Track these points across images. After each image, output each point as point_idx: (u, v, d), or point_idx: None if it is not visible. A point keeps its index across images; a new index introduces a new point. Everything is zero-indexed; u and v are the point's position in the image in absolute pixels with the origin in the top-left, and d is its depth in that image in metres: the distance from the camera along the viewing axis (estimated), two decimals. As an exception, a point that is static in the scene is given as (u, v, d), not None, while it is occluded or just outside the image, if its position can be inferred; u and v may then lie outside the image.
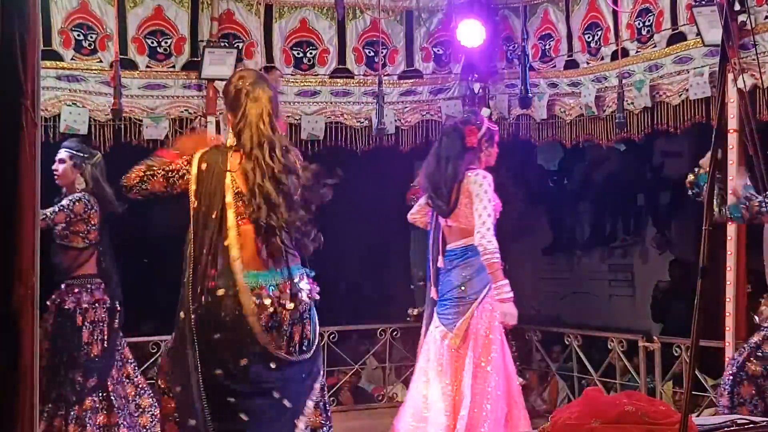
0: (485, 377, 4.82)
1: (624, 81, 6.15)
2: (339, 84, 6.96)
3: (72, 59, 6.22)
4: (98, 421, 4.99)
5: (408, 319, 7.18)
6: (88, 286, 5.11)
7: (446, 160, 4.96)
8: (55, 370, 4.95)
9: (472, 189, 4.87)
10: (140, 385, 5.32)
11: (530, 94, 6.54)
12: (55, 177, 5.20)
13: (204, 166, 3.73)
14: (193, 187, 3.72)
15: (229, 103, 3.85)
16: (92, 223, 5.14)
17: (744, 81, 4.98)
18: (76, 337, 5.00)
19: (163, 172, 3.75)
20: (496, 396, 4.80)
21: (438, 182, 4.98)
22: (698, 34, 5.57)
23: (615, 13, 6.26)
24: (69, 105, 6.18)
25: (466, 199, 4.90)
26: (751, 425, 3.34)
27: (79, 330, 5.01)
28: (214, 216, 3.66)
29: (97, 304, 5.08)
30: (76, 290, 5.07)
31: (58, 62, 6.16)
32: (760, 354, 4.38)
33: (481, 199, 4.83)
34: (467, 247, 4.92)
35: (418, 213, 5.32)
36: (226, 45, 6.50)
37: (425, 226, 5.25)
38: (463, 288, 4.93)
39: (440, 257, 5.04)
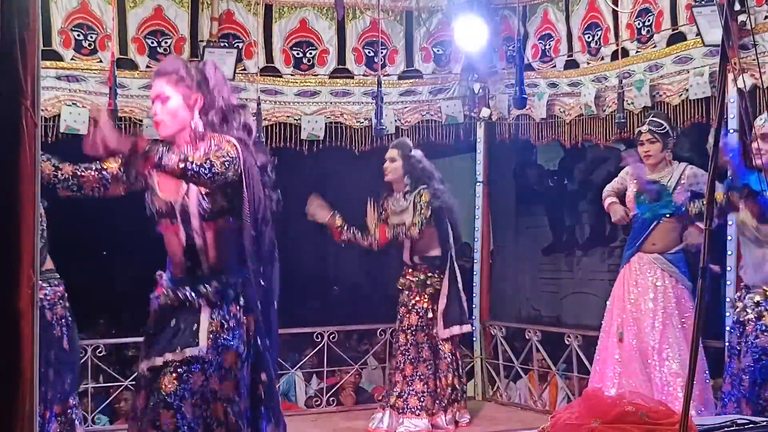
0: None
1: (624, 81, 6.15)
2: (339, 84, 6.96)
3: (72, 59, 6.23)
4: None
5: None
6: (51, 281, 5.09)
7: None
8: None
9: None
10: None
11: (525, 95, 6.54)
12: None
13: None
14: None
15: None
16: (45, 219, 5.09)
17: (744, 81, 4.98)
18: (50, 333, 4.97)
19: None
20: None
21: None
22: (698, 34, 5.57)
23: (615, 13, 6.27)
24: (69, 105, 6.18)
25: None
26: (751, 425, 3.34)
27: (50, 326, 4.98)
28: None
29: (61, 300, 5.06)
30: (43, 286, 5.03)
31: (58, 62, 6.16)
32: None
33: None
34: None
35: None
36: (226, 45, 6.50)
37: None
38: None
39: None
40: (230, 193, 3.49)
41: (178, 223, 3.58)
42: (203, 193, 3.51)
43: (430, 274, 6.23)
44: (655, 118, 5.59)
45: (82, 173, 3.66)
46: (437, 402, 6.18)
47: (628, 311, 5.58)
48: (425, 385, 6.17)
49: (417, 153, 6.28)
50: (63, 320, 4.93)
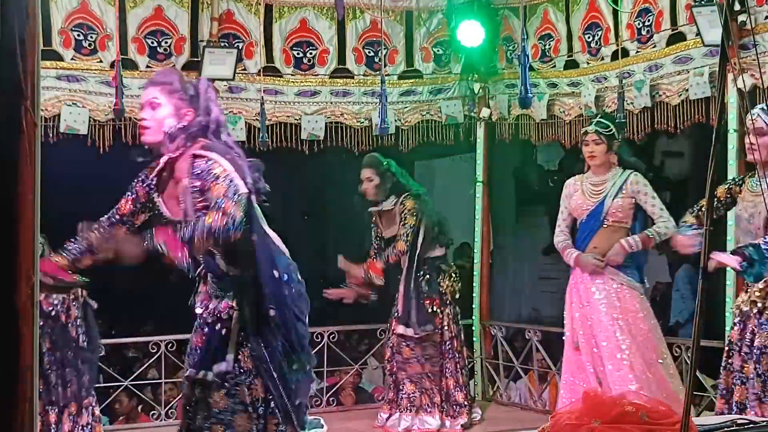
0: None
1: (624, 81, 6.15)
2: (339, 84, 6.96)
3: (72, 59, 6.23)
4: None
5: None
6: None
7: None
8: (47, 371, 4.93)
9: None
10: None
11: (530, 94, 6.54)
12: None
13: None
14: None
15: None
16: None
17: (744, 81, 4.99)
18: (66, 335, 4.99)
19: None
20: None
21: None
22: (698, 34, 5.57)
23: (615, 13, 6.27)
24: (69, 105, 6.18)
25: None
26: (751, 425, 3.34)
27: (65, 328, 5.00)
28: None
29: (75, 302, 5.08)
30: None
31: (58, 62, 6.16)
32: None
33: None
34: None
35: None
36: (226, 45, 6.50)
37: None
38: None
39: None
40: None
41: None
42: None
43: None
44: (602, 119, 5.58)
45: (111, 229, 3.79)
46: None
47: (577, 318, 5.59)
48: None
49: (387, 162, 6.33)
50: (77, 320, 4.97)
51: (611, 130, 5.51)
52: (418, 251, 6.25)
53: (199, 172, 3.50)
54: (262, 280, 3.58)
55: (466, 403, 6.30)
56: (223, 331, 3.62)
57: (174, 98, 3.63)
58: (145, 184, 3.77)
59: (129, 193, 3.81)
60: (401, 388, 6.28)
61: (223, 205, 3.38)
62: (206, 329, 3.66)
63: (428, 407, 6.22)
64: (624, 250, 5.43)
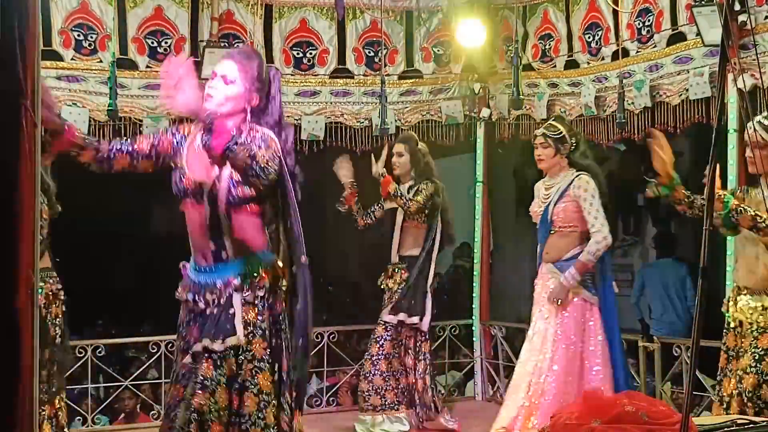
0: None
1: (624, 81, 6.15)
2: (339, 84, 6.96)
3: (72, 59, 6.23)
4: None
5: None
6: (48, 280, 5.07)
7: None
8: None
9: None
10: None
11: (522, 96, 6.56)
12: None
13: None
14: None
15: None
16: (43, 217, 5.08)
17: (744, 81, 4.98)
18: (47, 333, 4.96)
19: None
20: None
21: None
22: (698, 34, 5.57)
23: (615, 13, 6.27)
24: (69, 105, 6.18)
25: None
26: (751, 425, 3.34)
27: (46, 326, 4.97)
28: None
29: (57, 299, 5.05)
30: (42, 283, 5.02)
31: (58, 62, 6.16)
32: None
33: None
34: None
35: None
36: (226, 45, 6.50)
37: None
38: None
39: None
40: (264, 185, 3.55)
41: (204, 203, 3.65)
42: (235, 180, 3.58)
43: (407, 276, 6.24)
44: (553, 123, 5.52)
45: (115, 154, 3.72)
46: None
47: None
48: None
49: (423, 147, 6.40)
50: (57, 319, 4.90)
51: (560, 133, 5.42)
52: (432, 251, 6.23)
53: (251, 139, 3.52)
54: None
55: (433, 405, 6.24)
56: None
57: (248, 81, 3.65)
58: (174, 137, 3.74)
59: (153, 135, 3.78)
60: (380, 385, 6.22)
61: (267, 155, 3.46)
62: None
63: (396, 405, 6.18)
64: (564, 288, 5.29)
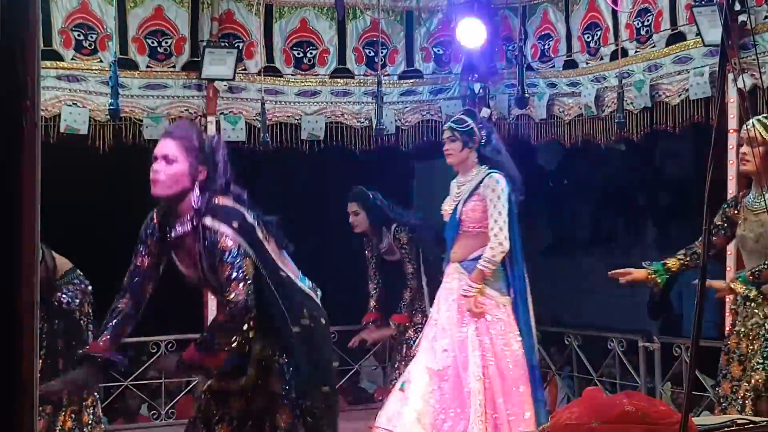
0: None
1: (623, 81, 6.15)
2: (339, 84, 6.96)
3: (72, 59, 6.23)
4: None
5: None
6: (75, 281, 5.09)
7: None
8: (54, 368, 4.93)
9: None
10: None
11: (527, 94, 6.56)
12: None
13: None
14: None
15: None
16: None
17: (744, 81, 4.99)
18: (80, 333, 4.99)
19: None
20: None
21: None
22: (698, 34, 5.57)
23: (615, 13, 6.27)
24: (69, 105, 6.19)
25: None
26: (751, 425, 3.34)
27: (79, 325, 4.99)
28: None
29: (87, 297, 5.07)
30: (70, 286, 5.05)
31: (58, 62, 6.17)
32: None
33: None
34: None
35: None
36: (226, 45, 6.50)
37: None
38: None
39: None
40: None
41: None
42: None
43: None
44: (463, 116, 5.33)
45: (139, 300, 3.80)
46: None
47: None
48: None
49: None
50: (88, 317, 4.97)
51: (469, 127, 5.21)
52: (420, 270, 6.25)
53: (208, 245, 3.54)
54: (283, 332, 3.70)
55: None
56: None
57: (191, 156, 3.58)
58: (154, 237, 3.76)
59: (141, 248, 3.78)
60: None
61: (228, 288, 3.49)
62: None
63: None
64: (468, 300, 5.11)
